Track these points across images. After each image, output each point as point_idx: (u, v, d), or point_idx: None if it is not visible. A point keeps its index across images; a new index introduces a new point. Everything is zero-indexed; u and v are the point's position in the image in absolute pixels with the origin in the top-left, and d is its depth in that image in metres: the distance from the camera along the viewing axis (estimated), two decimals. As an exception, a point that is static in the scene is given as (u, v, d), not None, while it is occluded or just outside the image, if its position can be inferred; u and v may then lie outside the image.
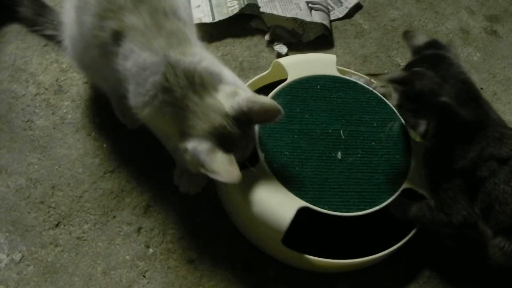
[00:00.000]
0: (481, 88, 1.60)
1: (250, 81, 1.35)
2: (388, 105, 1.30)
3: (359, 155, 1.20)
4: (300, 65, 1.33)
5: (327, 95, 1.28)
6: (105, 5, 0.99)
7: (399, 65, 1.62)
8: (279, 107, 0.99)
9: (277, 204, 1.08)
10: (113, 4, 0.99)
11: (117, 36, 1.00)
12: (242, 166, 1.09)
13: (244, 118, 0.99)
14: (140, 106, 1.00)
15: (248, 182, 1.10)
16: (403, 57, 1.65)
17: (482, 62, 1.71)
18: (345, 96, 1.29)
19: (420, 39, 1.19)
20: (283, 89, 1.25)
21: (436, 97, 1.09)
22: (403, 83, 1.11)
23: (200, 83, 0.98)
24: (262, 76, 1.37)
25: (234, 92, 1.00)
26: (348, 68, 1.45)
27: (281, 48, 1.57)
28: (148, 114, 1.00)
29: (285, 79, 1.27)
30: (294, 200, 1.09)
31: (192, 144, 0.95)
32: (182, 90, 0.96)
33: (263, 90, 1.31)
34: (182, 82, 0.96)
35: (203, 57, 1.02)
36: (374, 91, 1.32)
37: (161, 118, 1.00)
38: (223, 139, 0.97)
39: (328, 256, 1.11)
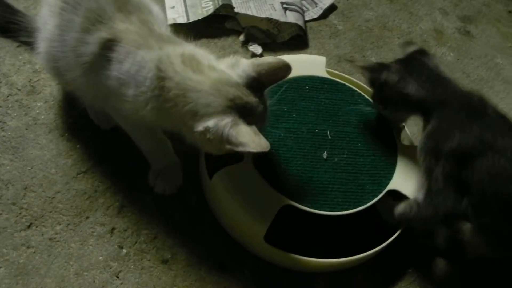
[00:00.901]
0: (455, 88, 1.63)
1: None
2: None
3: (345, 156, 1.20)
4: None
5: (315, 96, 1.29)
6: (93, 19, 1.01)
7: (374, 65, 1.64)
8: (286, 61, 0.98)
9: (260, 201, 1.09)
10: (102, 17, 1.01)
11: (109, 44, 1.00)
12: (227, 162, 1.10)
13: (255, 84, 0.97)
14: (143, 105, 0.99)
15: (232, 178, 1.11)
16: (377, 57, 1.66)
17: (456, 62, 1.74)
18: (333, 97, 1.30)
19: (412, 48, 1.26)
20: (271, 87, 1.25)
21: (399, 89, 1.15)
22: (372, 71, 1.21)
23: (198, 63, 0.97)
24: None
25: (236, 61, 0.99)
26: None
27: (256, 49, 1.58)
28: (151, 110, 0.98)
29: None
30: (277, 198, 1.09)
31: (213, 122, 0.92)
32: (180, 74, 0.95)
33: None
34: (178, 67, 0.95)
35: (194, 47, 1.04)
36: (362, 93, 1.33)
37: (165, 108, 0.97)
38: (241, 111, 0.94)
39: (310, 255, 1.11)
